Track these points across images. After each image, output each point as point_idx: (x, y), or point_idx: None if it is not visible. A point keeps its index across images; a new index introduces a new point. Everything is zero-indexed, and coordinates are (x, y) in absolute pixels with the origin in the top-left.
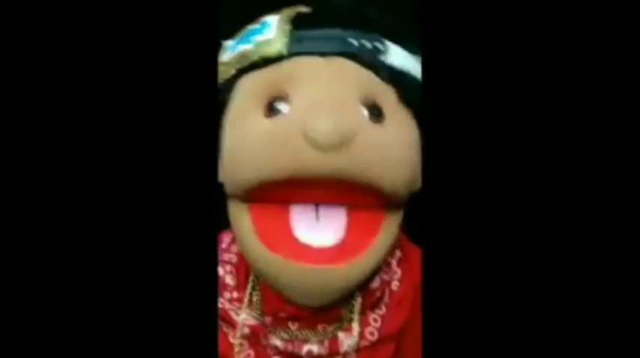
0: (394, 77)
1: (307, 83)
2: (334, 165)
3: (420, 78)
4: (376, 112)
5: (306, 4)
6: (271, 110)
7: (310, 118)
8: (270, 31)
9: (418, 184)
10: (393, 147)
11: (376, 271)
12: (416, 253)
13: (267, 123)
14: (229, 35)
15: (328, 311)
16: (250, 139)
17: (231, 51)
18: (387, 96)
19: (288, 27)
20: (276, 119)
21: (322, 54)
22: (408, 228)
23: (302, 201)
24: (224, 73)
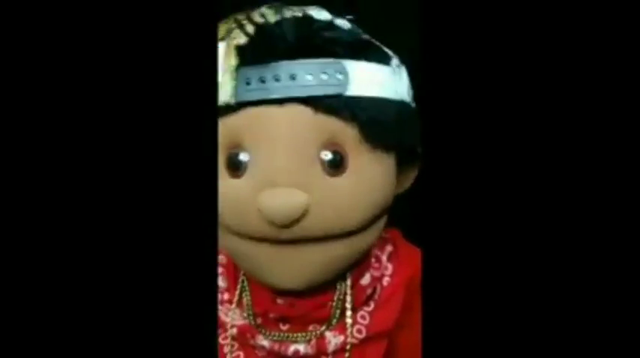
0: (356, 112)
1: (264, 141)
2: (289, 235)
3: (393, 90)
4: (338, 159)
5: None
6: (234, 164)
7: (263, 196)
8: None
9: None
10: (350, 203)
11: (365, 267)
12: (408, 248)
13: (229, 185)
14: None
15: (317, 310)
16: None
17: None
18: (350, 136)
19: (234, 62)
20: (237, 184)
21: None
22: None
23: None
24: None
